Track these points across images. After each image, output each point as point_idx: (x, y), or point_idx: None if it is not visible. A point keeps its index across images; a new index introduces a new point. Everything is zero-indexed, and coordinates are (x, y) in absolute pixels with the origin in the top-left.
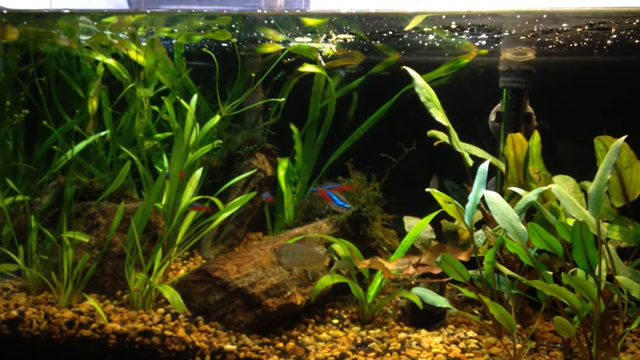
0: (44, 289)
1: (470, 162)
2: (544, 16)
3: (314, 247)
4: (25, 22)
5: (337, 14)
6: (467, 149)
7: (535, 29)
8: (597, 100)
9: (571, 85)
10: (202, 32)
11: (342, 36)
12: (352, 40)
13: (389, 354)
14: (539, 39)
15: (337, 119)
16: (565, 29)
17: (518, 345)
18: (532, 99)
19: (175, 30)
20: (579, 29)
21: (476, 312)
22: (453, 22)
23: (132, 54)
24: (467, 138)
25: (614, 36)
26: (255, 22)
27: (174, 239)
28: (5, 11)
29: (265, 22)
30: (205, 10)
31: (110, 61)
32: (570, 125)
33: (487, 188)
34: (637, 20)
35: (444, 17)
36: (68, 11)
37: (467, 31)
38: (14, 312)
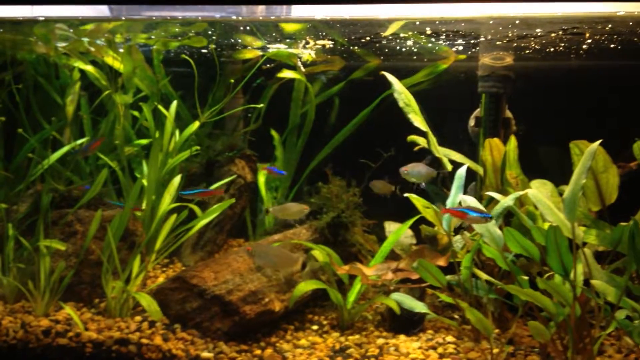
0: (21, 297)
1: (449, 167)
2: (517, 22)
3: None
4: (1, 30)
5: (312, 20)
6: (446, 154)
7: (510, 34)
8: (575, 105)
9: (549, 90)
10: (179, 38)
11: (320, 42)
12: (332, 45)
13: None
14: (515, 44)
15: (318, 124)
16: (539, 34)
17: (495, 350)
18: (510, 104)
19: (152, 37)
20: (553, 34)
21: (456, 317)
22: (428, 28)
23: (109, 60)
24: (447, 143)
25: (589, 41)
26: (232, 29)
27: (152, 246)
28: None
29: (242, 28)
30: (180, 17)
31: (89, 68)
32: (550, 129)
33: (467, 193)
34: (610, 25)
35: (417, 23)
36: (43, 18)
37: (443, 37)
38: None
